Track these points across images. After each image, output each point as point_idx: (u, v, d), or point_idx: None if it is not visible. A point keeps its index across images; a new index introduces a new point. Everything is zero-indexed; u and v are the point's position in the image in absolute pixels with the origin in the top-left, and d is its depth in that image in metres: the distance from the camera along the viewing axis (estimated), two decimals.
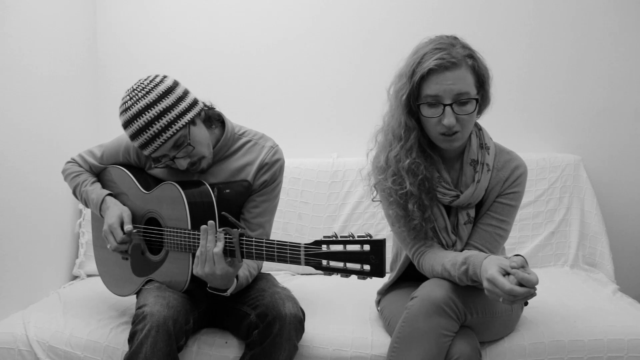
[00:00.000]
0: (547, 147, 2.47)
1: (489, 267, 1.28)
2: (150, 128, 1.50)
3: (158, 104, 1.51)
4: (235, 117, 1.77)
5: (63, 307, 1.88)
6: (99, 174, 1.81)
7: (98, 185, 1.76)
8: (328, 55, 2.52)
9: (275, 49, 2.53)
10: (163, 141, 1.52)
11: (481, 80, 1.44)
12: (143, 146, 1.54)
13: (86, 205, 1.76)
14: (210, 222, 1.42)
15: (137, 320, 1.46)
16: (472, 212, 1.53)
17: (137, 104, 1.51)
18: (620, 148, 2.47)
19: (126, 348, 1.47)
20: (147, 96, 1.51)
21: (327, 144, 2.53)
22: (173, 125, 1.51)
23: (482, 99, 1.47)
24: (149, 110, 1.50)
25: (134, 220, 1.67)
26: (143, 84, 1.54)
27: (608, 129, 2.47)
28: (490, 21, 2.44)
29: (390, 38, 2.47)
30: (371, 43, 2.50)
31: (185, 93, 1.58)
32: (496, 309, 1.47)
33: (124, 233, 1.61)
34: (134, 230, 1.63)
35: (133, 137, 1.54)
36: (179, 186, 1.56)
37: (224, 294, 1.50)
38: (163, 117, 1.51)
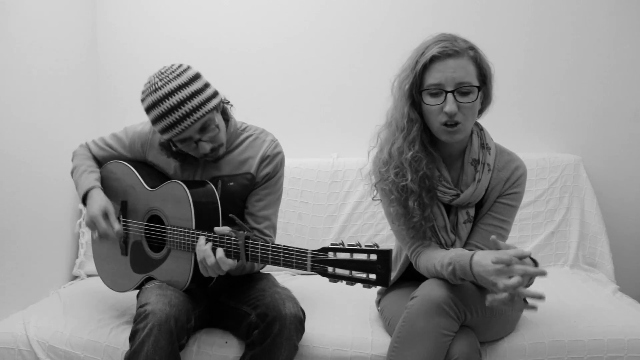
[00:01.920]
0: (547, 147, 2.47)
1: (483, 260, 1.29)
2: (181, 107, 1.52)
3: (189, 86, 1.54)
4: (236, 116, 1.78)
5: (63, 307, 1.88)
6: (104, 168, 1.81)
7: (92, 175, 1.74)
8: (328, 55, 2.52)
9: (276, 49, 2.53)
10: (193, 121, 1.53)
11: (483, 74, 1.45)
12: (170, 126, 1.53)
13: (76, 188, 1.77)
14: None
15: (139, 318, 1.46)
16: (472, 212, 1.54)
17: (168, 84, 1.52)
18: (620, 148, 2.47)
19: (126, 348, 1.47)
20: (178, 78, 1.54)
21: (327, 144, 2.53)
22: (203, 107, 1.54)
23: (484, 97, 1.48)
24: (181, 91, 1.52)
25: (135, 216, 1.68)
26: (171, 69, 1.57)
27: (608, 129, 2.47)
28: (490, 21, 2.45)
29: (390, 38, 2.47)
30: (371, 43, 2.50)
31: (208, 83, 1.62)
32: (496, 308, 1.47)
33: (112, 229, 1.62)
34: (126, 230, 1.64)
35: (161, 116, 1.53)
36: (184, 185, 1.56)
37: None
38: (194, 98, 1.53)
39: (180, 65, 1.58)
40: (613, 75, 2.45)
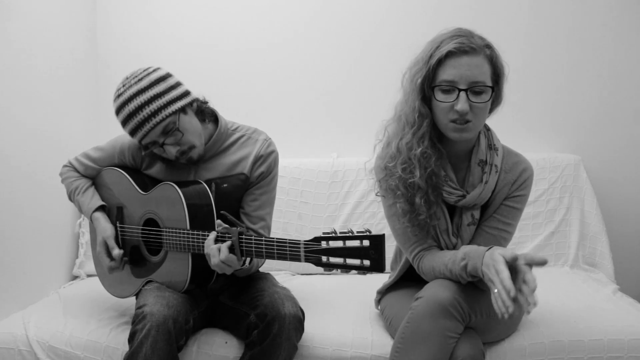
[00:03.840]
0: (547, 147, 2.47)
1: (494, 253, 1.29)
2: (139, 112, 1.53)
3: (149, 90, 1.54)
4: (235, 116, 1.78)
5: (63, 307, 1.88)
6: (96, 177, 1.81)
7: (90, 193, 1.76)
8: (328, 55, 2.52)
9: (276, 48, 2.53)
10: (152, 126, 1.54)
11: (497, 74, 1.42)
12: (133, 131, 1.56)
13: (80, 212, 1.79)
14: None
15: (137, 320, 1.46)
16: (477, 214, 1.52)
17: (129, 90, 1.54)
18: (620, 148, 2.47)
19: (126, 348, 1.47)
20: (139, 83, 1.55)
21: (327, 144, 2.53)
22: (162, 111, 1.54)
23: (495, 96, 1.45)
24: (140, 96, 1.53)
25: (132, 221, 1.68)
26: (136, 72, 1.58)
27: (608, 129, 2.47)
28: (488, 21, 2.44)
29: (390, 38, 2.47)
30: (371, 43, 2.50)
31: (178, 84, 1.61)
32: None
33: (112, 259, 1.65)
34: (123, 256, 1.66)
35: (124, 122, 1.57)
36: (177, 187, 1.56)
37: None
38: (153, 103, 1.54)
39: (146, 69, 1.58)
40: (613, 75, 2.45)
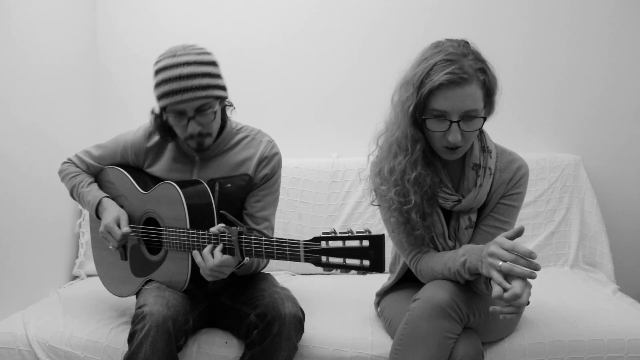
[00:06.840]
0: (547, 147, 2.47)
1: (494, 245, 1.29)
2: (191, 79, 1.51)
3: (206, 66, 1.55)
4: (236, 116, 1.78)
5: (63, 307, 1.88)
6: (97, 175, 1.81)
7: (94, 186, 1.76)
8: (328, 55, 2.52)
9: (276, 48, 2.53)
10: (195, 97, 1.52)
11: (490, 94, 1.40)
12: (173, 93, 1.51)
13: (83, 206, 1.77)
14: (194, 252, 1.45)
15: (137, 320, 1.46)
16: (474, 217, 1.51)
17: (188, 55, 1.54)
18: (620, 148, 2.47)
19: (126, 348, 1.47)
20: (199, 55, 1.55)
21: (327, 144, 2.53)
22: (209, 90, 1.54)
23: (487, 110, 1.43)
24: (199, 66, 1.53)
25: (132, 220, 1.68)
26: (196, 45, 1.59)
27: (608, 129, 2.47)
28: (488, 21, 2.45)
29: (389, 37, 2.46)
30: (371, 42, 2.49)
31: (222, 77, 1.63)
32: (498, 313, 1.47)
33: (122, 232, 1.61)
34: (132, 234, 1.64)
35: (168, 80, 1.51)
36: (177, 186, 1.56)
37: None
38: (206, 78, 1.53)
39: (205, 48, 1.60)
40: (613, 75, 2.45)
